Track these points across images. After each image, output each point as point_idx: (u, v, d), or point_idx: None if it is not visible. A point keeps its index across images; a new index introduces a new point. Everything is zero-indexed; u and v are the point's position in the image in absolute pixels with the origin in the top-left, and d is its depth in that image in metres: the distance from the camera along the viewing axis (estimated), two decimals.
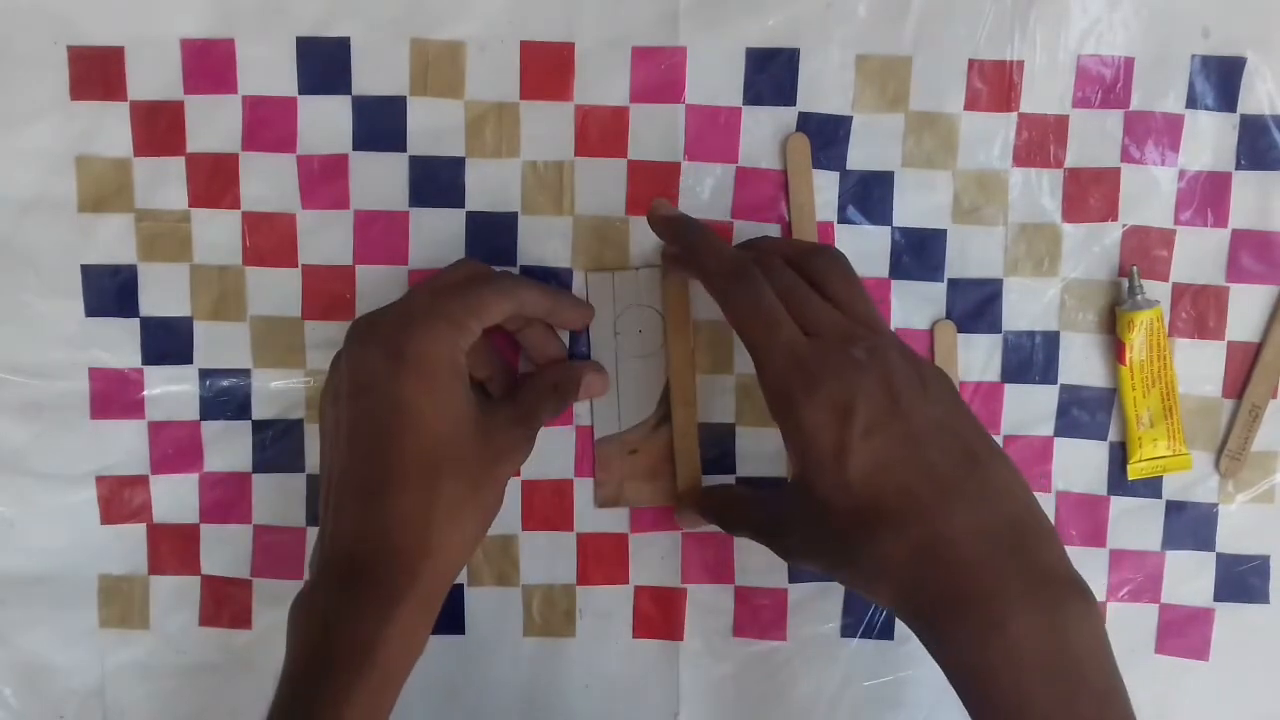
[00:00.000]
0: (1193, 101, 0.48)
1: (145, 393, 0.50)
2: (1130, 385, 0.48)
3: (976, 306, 0.49)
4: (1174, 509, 0.50)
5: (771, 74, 0.48)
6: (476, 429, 0.42)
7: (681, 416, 0.49)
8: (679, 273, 0.48)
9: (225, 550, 0.51)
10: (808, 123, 0.49)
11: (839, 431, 0.39)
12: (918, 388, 0.40)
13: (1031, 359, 0.50)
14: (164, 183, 0.49)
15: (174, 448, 0.50)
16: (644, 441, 0.50)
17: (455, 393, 0.42)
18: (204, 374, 0.50)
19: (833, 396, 0.39)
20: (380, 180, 0.49)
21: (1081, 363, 0.50)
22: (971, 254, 0.49)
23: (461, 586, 0.51)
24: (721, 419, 0.50)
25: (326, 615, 0.40)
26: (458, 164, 0.49)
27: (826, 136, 0.49)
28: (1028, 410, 0.50)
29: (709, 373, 0.50)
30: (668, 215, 0.47)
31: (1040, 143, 0.49)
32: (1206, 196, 0.49)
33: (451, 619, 0.51)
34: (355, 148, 0.49)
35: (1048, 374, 0.50)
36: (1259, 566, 0.50)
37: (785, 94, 0.48)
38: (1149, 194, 0.49)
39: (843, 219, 0.49)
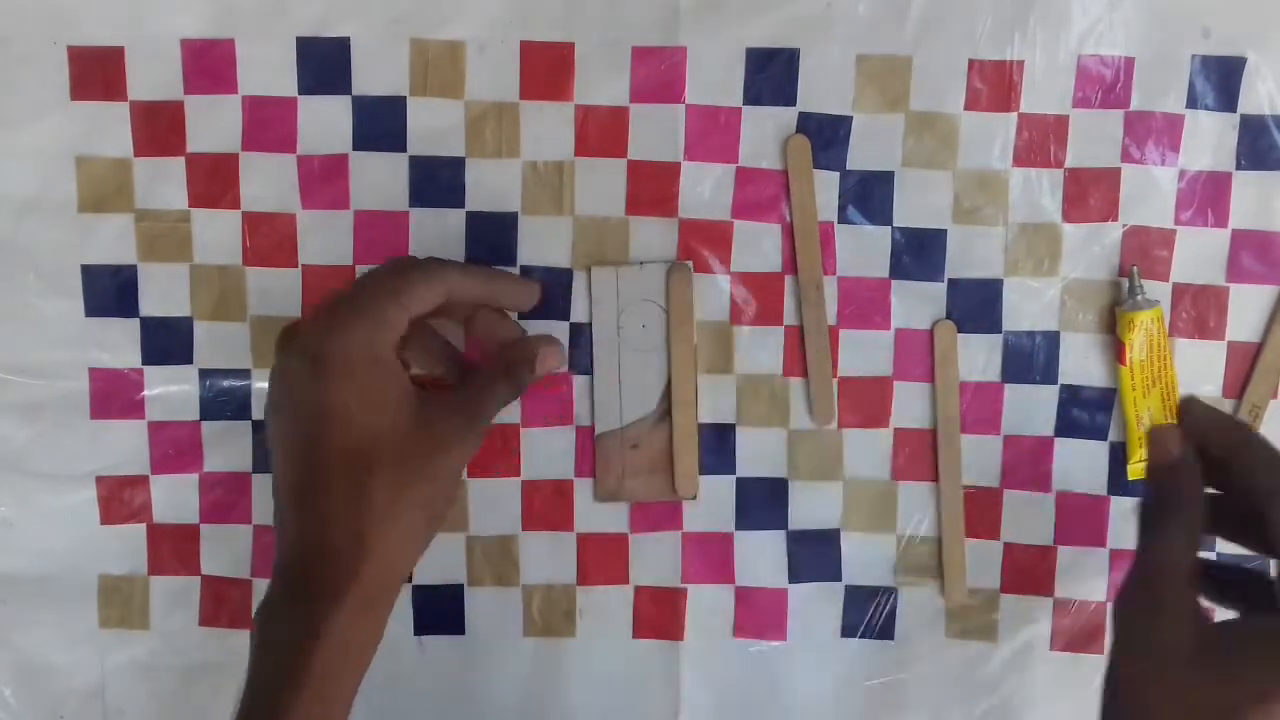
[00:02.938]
0: (1193, 101, 0.48)
1: (145, 393, 0.50)
2: (1130, 385, 0.48)
3: (976, 306, 0.49)
4: None
5: (771, 74, 0.48)
6: (412, 421, 0.41)
7: (681, 415, 0.49)
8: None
9: (225, 550, 0.51)
10: (808, 123, 0.49)
11: None
12: None
13: (1031, 359, 0.50)
14: (164, 183, 0.49)
15: (174, 448, 0.50)
16: (645, 437, 0.50)
17: (382, 387, 0.41)
18: (204, 374, 0.50)
19: None
20: (380, 180, 0.49)
21: (1081, 363, 0.50)
22: (971, 254, 0.49)
23: (461, 586, 0.51)
24: (721, 419, 0.50)
25: (267, 624, 0.40)
26: (458, 164, 0.49)
27: (826, 136, 0.49)
28: (1028, 410, 0.50)
29: (709, 372, 0.50)
30: (1204, 415, 0.43)
31: (1040, 143, 0.49)
32: (1207, 196, 0.49)
33: (451, 619, 0.51)
34: (355, 148, 0.49)
35: (1048, 374, 0.50)
36: (1258, 566, 0.50)
37: (785, 94, 0.48)
38: (1149, 194, 0.49)
39: (843, 219, 0.49)
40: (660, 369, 0.49)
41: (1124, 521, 0.50)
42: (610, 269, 0.49)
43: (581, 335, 0.50)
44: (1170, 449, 0.42)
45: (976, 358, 0.50)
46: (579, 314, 0.50)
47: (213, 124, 0.49)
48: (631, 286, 0.49)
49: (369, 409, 0.41)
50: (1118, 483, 0.50)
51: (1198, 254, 0.49)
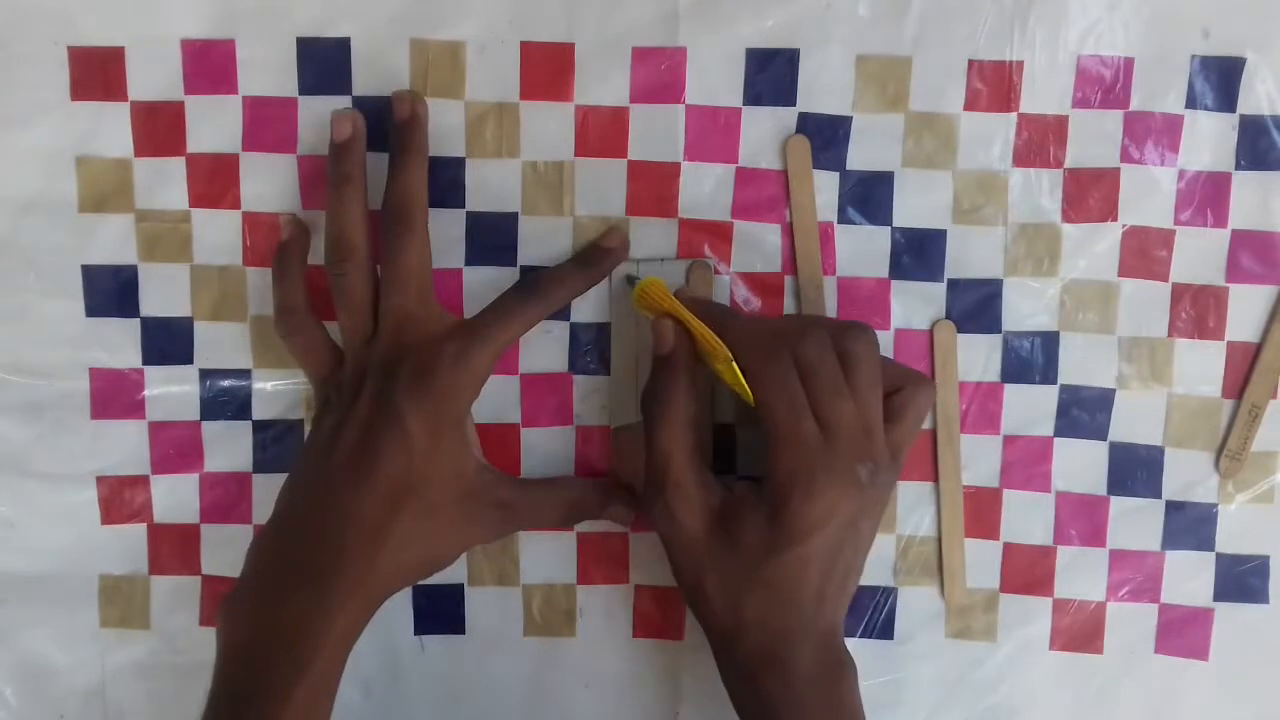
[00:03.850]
0: (1192, 102, 0.48)
1: (146, 393, 0.50)
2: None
3: (976, 306, 0.49)
4: (1174, 509, 0.50)
5: (771, 74, 0.48)
6: (464, 494, 0.45)
7: (697, 411, 0.49)
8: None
9: (225, 550, 0.51)
10: (808, 123, 0.49)
11: (814, 528, 0.43)
12: (871, 526, 0.45)
13: (1031, 359, 0.50)
14: (164, 183, 0.49)
15: (174, 448, 0.50)
16: None
17: (459, 451, 0.45)
18: (204, 374, 0.50)
19: (828, 504, 0.43)
20: (380, 181, 0.49)
21: (1081, 363, 0.50)
22: (971, 254, 0.49)
23: (461, 586, 0.51)
24: (722, 419, 0.50)
25: (281, 609, 0.42)
26: (458, 164, 0.49)
27: (826, 136, 0.49)
28: (1028, 410, 0.50)
29: None
30: (696, 297, 0.48)
31: (1040, 143, 0.49)
32: (1206, 197, 0.49)
33: (451, 619, 0.51)
34: None
35: (1048, 374, 0.50)
36: (1258, 567, 0.50)
37: (785, 94, 0.49)
38: (1149, 194, 0.49)
39: (843, 219, 0.49)
40: None
41: (1124, 521, 0.50)
42: (630, 264, 0.49)
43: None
44: (666, 341, 0.46)
45: (976, 358, 0.50)
46: (583, 314, 0.50)
47: (213, 124, 0.49)
48: None
49: (440, 460, 0.44)
50: (1118, 482, 0.50)
51: (1197, 254, 0.49)
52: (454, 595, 0.51)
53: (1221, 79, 0.48)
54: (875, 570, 0.50)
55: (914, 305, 0.50)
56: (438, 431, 0.44)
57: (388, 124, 0.47)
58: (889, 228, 0.49)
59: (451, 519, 0.45)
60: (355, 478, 0.43)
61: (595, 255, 0.48)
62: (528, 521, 0.48)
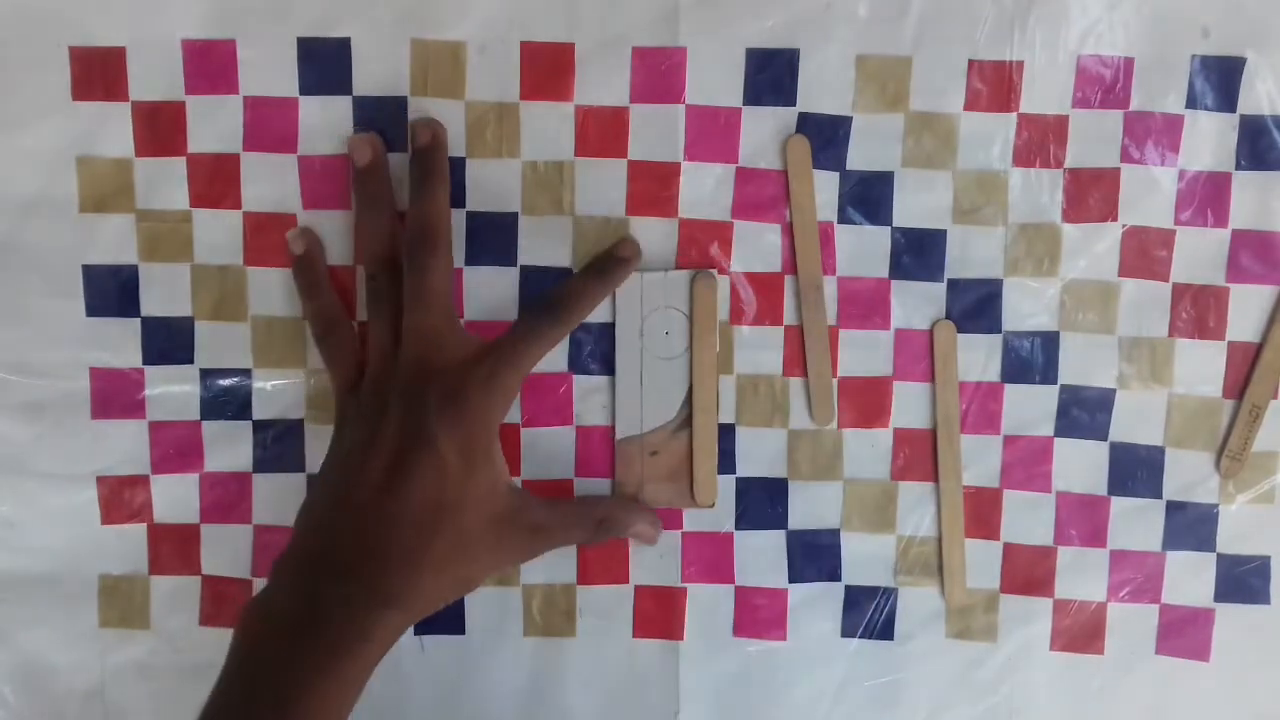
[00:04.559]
0: (1193, 102, 0.48)
1: (146, 393, 0.50)
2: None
3: (976, 306, 0.49)
4: (1174, 509, 0.50)
5: (771, 74, 0.48)
6: (496, 516, 0.45)
7: (702, 423, 0.49)
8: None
9: (225, 550, 0.51)
10: (808, 123, 0.49)
11: None
12: None
13: (1031, 359, 0.50)
14: (165, 183, 0.49)
15: (174, 448, 0.50)
16: (665, 444, 0.50)
17: (491, 474, 0.46)
18: (205, 374, 0.50)
19: None
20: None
21: (1081, 363, 0.50)
22: (971, 254, 0.49)
23: None
24: (722, 419, 0.50)
25: (322, 604, 0.42)
26: (458, 164, 0.49)
27: (826, 136, 0.49)
28: (1028, 410, 0.50)
29: None
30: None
31: (1040, 143, 0.49)
32: (1206, 196, 0.49)
33: (451, 619, 0.51)
34: None
35: (1048, 374, 0.50)
36: (1259, 567, 0.50)
37: (785, 94, 0.49)
38: (1149, 194, 0.49)
39: (843, 219, 0.49)
40: (682, 376, 0.49)
41: (1124, 521, 0.50)
42: (634, 274, 0.49)
43: (586, 332, 0.50)
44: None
45: (976, 358, 0.50)
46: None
47: (214, 124, 0.49)
48: (655, 293, 0.49)
49: (478, 488, 0.45)
50: (1118, 483, 0.50)
51: (1197, 254, 0.49)
52: None
53: (1222, 79, 0.48)
54: (875, 570, 0.50)
55: (914, 305, 0.50)
56: (471, 455, 0.44)
57: (388, 124, 0.48)
58: (889, 228, 0.49)
59: (484, 543, 0.45)
60: (389, 503, 0.44)
61: (610, 265, 0.48)
62: (558, 542, 0.48)
